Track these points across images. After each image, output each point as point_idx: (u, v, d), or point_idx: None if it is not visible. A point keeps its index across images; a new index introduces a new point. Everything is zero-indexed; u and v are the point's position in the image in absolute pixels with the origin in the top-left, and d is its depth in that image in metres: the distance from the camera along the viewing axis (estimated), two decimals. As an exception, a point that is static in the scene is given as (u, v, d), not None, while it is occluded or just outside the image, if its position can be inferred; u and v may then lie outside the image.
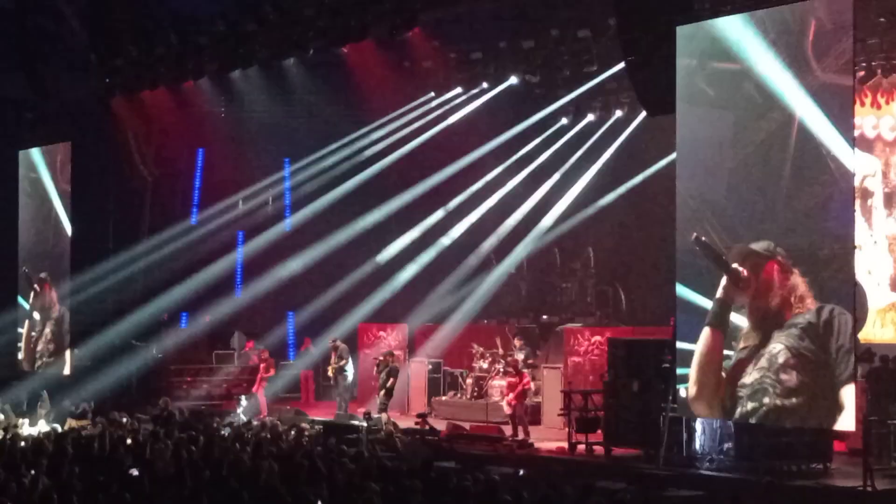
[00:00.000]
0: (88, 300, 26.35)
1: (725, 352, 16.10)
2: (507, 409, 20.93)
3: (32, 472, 12.83)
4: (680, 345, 16.71)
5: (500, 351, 23.47)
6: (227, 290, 29.40)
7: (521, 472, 14.72)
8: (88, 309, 26.38)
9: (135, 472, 12.92)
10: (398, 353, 24.38)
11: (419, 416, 21.48)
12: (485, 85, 24.60)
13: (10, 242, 28.09)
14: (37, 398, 23.87)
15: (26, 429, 20.43)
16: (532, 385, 21.43)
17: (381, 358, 22.84)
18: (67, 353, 26.36)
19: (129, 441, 16.07)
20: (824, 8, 15.36)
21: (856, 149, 15.69)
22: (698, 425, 16.96)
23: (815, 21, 15.43)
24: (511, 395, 20.65)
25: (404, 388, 24.10)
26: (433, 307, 25.85)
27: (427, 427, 20.41)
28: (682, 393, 16.60)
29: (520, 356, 22.41)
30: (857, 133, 17.61)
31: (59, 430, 19.43)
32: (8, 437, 16.78)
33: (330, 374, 24.07)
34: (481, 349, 23.95)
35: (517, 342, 23.23)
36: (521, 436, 20.04)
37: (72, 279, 26.47)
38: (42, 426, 21.11)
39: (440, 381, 24.47)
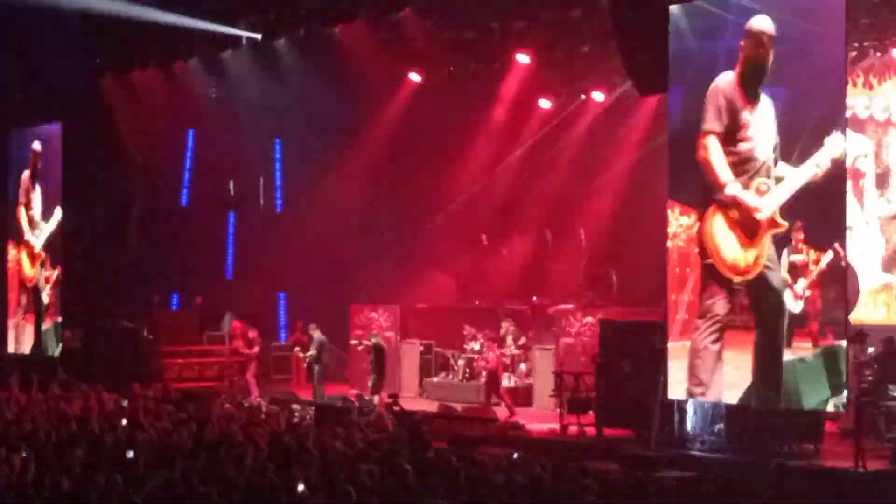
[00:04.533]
0: (79, 280, 26.28)
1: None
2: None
3: (23, 454, 12.78)
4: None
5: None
6: (218, 272, 29.38)
7: (515, 455, 14.68)
8: (79, 289, 26.31)
9: (130, 454, 12.88)
10: (389, 334, 24.34)
11: (390, 396, 21.14)
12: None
13: (1, 223, 27.98)
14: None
15: None
16: (501, 365, 21.93)
17: (361, 344, 22.80)
18: (56, 335, 26.31)
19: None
20: (817, -14, 15.31)
21: (848, 129, 15.67)
22: (690, 406, 16.94)
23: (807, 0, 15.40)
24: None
25: (395, 369, 24.04)
26: (424, 288, 25.83)
27: (399, 408, 20.05)
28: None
29: (509, 339, 22.65)
30: (849, 113, 17.57)
31: None
32: None
33: (304, 364, 23.22)
34: (473, 330, 23.91)
35: (506, 324, 23.21)
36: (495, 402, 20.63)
37: (62, 260, 26.36)
38: None
39: (431, 362, 24.43)
